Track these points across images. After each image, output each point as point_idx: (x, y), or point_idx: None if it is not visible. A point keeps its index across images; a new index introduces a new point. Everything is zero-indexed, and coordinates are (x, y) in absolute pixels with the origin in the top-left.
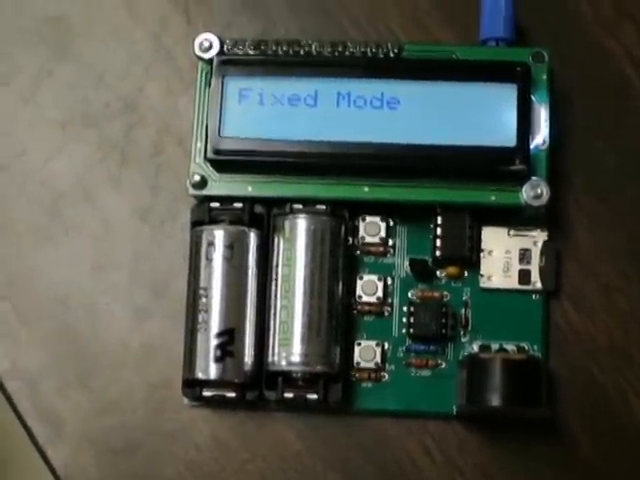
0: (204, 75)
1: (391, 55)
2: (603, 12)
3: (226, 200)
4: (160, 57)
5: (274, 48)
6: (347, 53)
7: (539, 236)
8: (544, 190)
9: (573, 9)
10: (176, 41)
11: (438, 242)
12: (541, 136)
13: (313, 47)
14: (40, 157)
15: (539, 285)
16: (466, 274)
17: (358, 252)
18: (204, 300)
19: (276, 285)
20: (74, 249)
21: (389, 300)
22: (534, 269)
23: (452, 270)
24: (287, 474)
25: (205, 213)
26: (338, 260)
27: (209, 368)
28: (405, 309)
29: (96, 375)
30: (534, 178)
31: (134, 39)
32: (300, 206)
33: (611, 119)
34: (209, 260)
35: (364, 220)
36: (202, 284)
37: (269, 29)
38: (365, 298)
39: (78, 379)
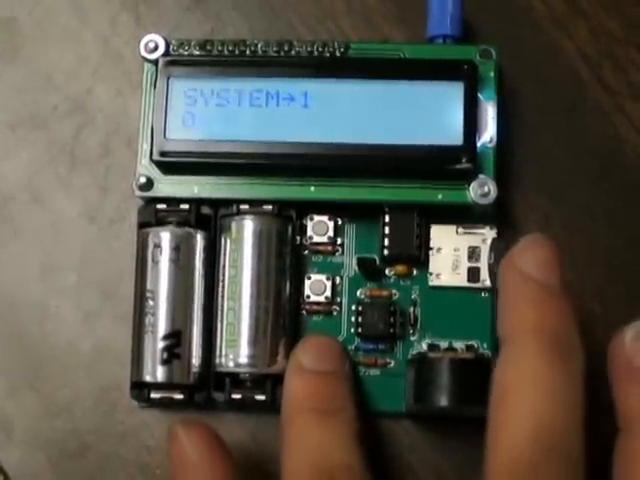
0: (150, 76)
1: (337, 54)
2: (555, 8)
3: (173, 201)
4: (109, 58)
5: (220, 48)
6: (293, 52)
7: (488, 234)
8: (491, 188)
9: (524, 5)
10: (125, 42)
11: (386, 241)
12: (488, 134)
13: (259, 47)
14: None
15: (488, 283)
16: (415, 272)
17: (306, 252)
18: (151, 303)
19: (223, 287)
20: (23, 251)
21: (337, 299)
22: (483, 267)
23: (400, 268)
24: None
25: (151, 215)
26: (285, 260)
27: (156, 371)
28: (353, 308)
29: (46, 378)
30: (481, 176)
31: (82, 40)
32: (247, 207)
33: (562, 116)
34: (155, 262)
35: (312, 219)
36: (149, 286)
37: (218, 29)
38: (313, 298)
39: (27, 382)
